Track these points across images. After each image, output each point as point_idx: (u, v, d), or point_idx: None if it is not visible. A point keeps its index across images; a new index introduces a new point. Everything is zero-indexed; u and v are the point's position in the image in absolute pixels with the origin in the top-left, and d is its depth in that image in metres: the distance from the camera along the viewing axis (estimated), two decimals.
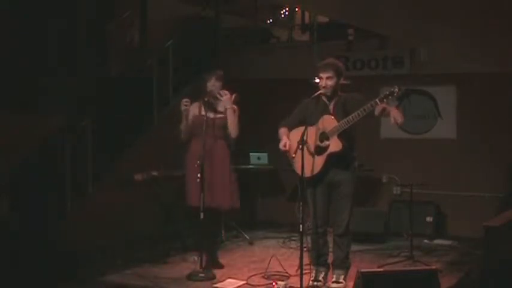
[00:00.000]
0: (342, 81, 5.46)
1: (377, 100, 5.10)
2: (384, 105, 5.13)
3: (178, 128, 6.03)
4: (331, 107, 5.40)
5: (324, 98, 5.41)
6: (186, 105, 5.92)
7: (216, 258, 6.15)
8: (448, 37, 6.17)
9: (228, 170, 5.97)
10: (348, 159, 5.39)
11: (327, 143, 5.29)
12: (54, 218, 6.74)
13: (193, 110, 6.02)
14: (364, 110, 5.11)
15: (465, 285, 5.51)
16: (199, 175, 5.72)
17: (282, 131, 5.57)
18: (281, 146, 5.47)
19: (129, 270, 6.15)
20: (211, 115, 5.95)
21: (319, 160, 5.31)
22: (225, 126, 5.94)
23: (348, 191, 5.39)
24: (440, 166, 7.91)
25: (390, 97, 5.10)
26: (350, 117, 5.17)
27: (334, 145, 5.26)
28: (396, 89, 5.10)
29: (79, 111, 7.50)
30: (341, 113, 5.30)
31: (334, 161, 5.30)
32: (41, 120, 7.23)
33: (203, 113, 5.90)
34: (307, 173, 5.26)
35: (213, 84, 5.96)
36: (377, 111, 5.16)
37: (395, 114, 5.20)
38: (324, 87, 5.32)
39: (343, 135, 5.25)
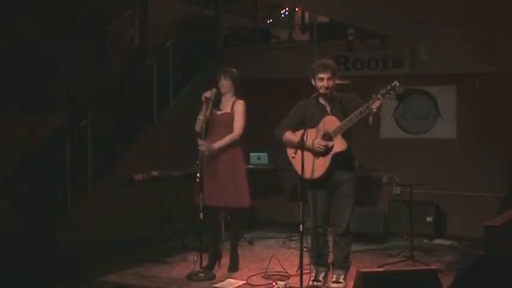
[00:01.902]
0: (338, 81, 5.43)
1: (379, 95, 5.02)
2: (382, 100, 5.01)
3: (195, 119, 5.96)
4: (329, 107, 5.36)
5: (321, 99, 5.36)
6: (207, 97, 5.83)
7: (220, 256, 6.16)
8: (448, 37, 6.16)
9: (232, 169, 5.88)
10: (350, 160, 5.38)
11: (330, 143, 5.26)
12: (54, 218, 6.74)
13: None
14: (367, 107, 5.05)
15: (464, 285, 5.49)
16: (198, 175, 5.73)
17: (288, 135, 5.45)
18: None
19: (129, 270, 6.15)
20: (217, 112, 5.93)
21: (323, 161, 5.28)
22: (230, 124, 5.88)
23: (349, 191, 5.38)
24: (440, 166, 7.90)
25: (392, 92, 5.05)
26: (353, 115, 5.12)
27: (339, 145, 5.23)
28: (397, 83, 5.02)
29: (79, 111, 7.50)
30: (340, 113, 5.28)
31: (338, 161, 5.28)
32: (41, 120, 7.23)
33: (201, 114, 5.88)
34: (307, 175, 5.23)
35: (221, 83, 5.92)
36: (375, 107, 5.03)
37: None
38: (326, 87, 5.27)
39: (344, 135, 5.24)
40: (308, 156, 5.24)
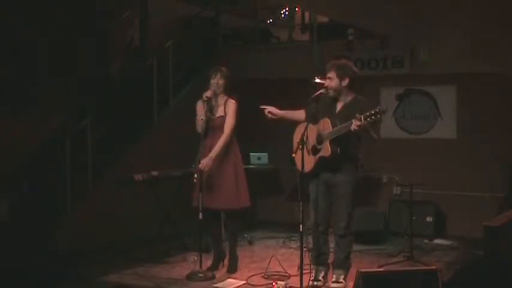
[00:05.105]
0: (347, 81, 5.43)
1: (361, 117, 5.01)
2: (363, 122, 5.03)
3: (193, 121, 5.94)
4: (338, 107, 5.43)
5: (332, 98, 5.44)
6: (209, 96, 5.82)
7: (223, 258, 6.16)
8: (448, 37, 6.16)
9: (234, 171, 5.88)
10: (346, 162, 5.39)
11: (320, 146, 5.35)
12: (54, 218, 6.74)
13: (199, 109, 5.94)
14: (351, 123, 5.07)
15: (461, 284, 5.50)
16: (195, 176, 5.72)
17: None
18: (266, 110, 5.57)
19: (129, 270, 6.15)
20: (212, 115, 5.90)
21: (312, 159, 5.38)
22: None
23: (345, 191, 5.39)
24: (440, 166, 7.90)
25: (373, 117, 4.99)
26: (340, 126, 5.19)
27: (324, 150, 5.32)
28: (378, 110, 4.99)
29: (79, 111, 7.51)
30: (345, 116, 5.27)
31: (326, 163, 5.34)
32: (41, 120, 7.23)
33: (203, 115, 5.86)
34: (307, 168, 5.28)
35: (216, 82, 5.88)
36: (354, 126, 5.05)
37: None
38: (325, 87, 5.38)
39: (341, 137, 5.25)
40: (306, 151, 5.28)
